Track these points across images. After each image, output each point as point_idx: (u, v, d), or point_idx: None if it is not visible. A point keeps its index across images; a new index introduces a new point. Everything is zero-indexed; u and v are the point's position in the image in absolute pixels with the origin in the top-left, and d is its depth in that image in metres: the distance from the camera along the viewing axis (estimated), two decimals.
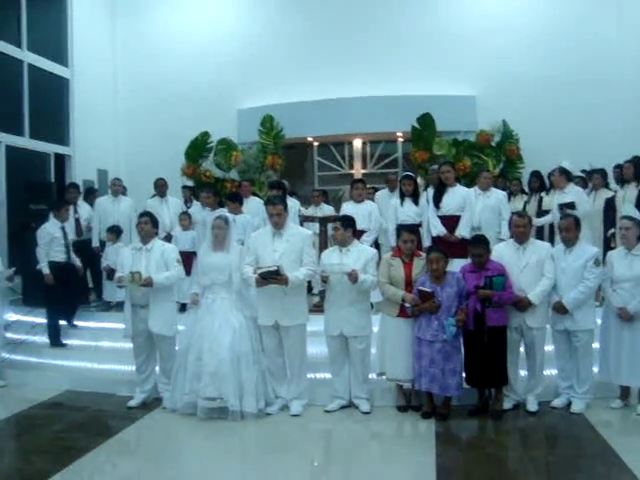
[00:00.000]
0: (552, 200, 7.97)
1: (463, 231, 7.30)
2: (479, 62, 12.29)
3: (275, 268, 5.58)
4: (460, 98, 12.29)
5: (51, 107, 12.10)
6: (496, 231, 7.54)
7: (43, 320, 7.93)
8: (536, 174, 9.03)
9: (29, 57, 11.26)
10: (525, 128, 11.66)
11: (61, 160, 12.13)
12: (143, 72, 13.60)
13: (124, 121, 13.80)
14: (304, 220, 8.55)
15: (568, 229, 5.74)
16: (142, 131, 13.41)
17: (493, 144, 11.99)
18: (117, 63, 13.92)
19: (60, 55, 12.23)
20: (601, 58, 11.89)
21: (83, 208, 9.24)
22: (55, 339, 7.74)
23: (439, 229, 7.35)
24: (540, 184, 8.86)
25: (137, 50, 13.77)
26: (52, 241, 7.81)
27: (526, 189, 9.64)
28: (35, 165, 11.43)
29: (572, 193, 7.72)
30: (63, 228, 7.94)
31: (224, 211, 7.67)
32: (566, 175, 7.84)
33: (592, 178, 8.70)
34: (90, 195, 9.83)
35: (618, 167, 8.65)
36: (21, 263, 8.85)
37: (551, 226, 8.03)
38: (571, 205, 7.52)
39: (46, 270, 7.74)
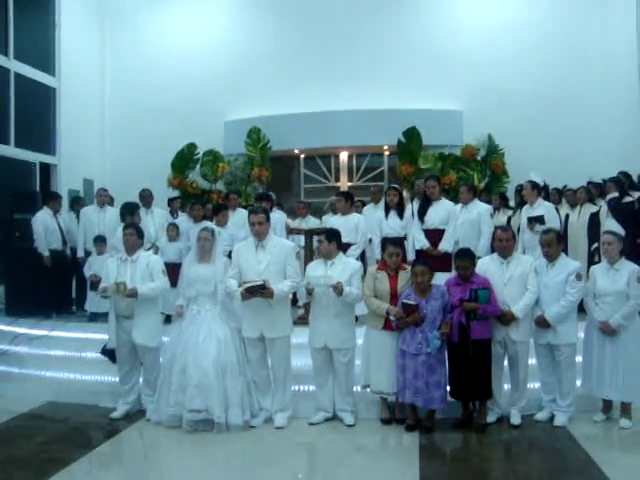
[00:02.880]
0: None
1: (446, 245, 7.34)
2: (466, 77, 12.40)
3: (261, 282, 5.59)
4: (446, 112, 12.40)
5: (37, 116, 12.07)
6: (474, 245, 7.22)
7: (26, 330, 7.88)
8: (521, 188, 9.07)
9: (15, 66, 11.26)
10: (511, 143, 11.77)
11: (46, 169, 12.09)
12: (130, 82, 13.62)
13: (111, 131, 13.81)
14: (290, 232, 8.56)
15: (550, 244, 5.77)
16: (129, 141, 13.41)
17: (479, 158, 12.08)
18: (105, 73, 13.94)
19: (47, 64, 12.24)
20: (587, 75, 12.06)
21: (61, 217, 9.24)
22: None
23: (422, 242, 7.39)
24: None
25: (125, 60, 13.79)
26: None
27: (511, 203, 9.71)
28: (20, 174, 11.38)
29: (541, 207, 7.72)
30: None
31: (209, 223, 7.67)
32: (537, 189, 7.84)
33: (576, 193, 8.80)
34: (77, 204, 9.78)
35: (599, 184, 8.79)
36: (5, 273, 8.80)
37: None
38: (540, 219, 7.51)
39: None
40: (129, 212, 7.76)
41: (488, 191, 10.82)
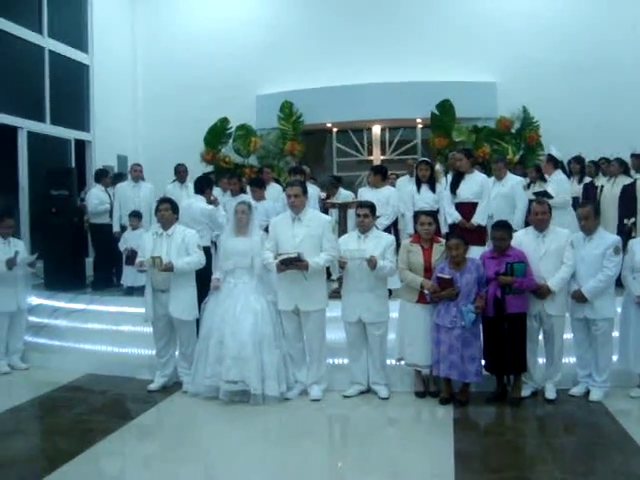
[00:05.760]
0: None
1: (479, 219, 7.25)
2: (499, 48, 12.22)
3: (296, 254, 5.61)
4: (480, 84, 12.25)
5: (71, 93, 12.21)
6: (508, 219, 6.89)
7: (65, 304, 8.04)
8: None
9: (50, 44, 11.36)
10: (545, 114, 11.60)
11: (81, 146, 12.23)
12: (162, 58, 13.67)
13: (143, 107, 13.91)
14: (325, 206, 8.52)
15: (587, 217, 5.67)
16: (161, 117, 13.50)
17: (513, 131, 11.93)
18: (137, 49, 14.00)
19: (80, 41, 12.34)
20: (623, 43, 11.80)
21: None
22: None
23: (454, 216, 7.30)
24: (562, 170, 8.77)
25: (157, 36, 13.84)
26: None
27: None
28: (56, 151, 11.55)
29: (553, 182, 7.54)
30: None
31: (245, 197, 7.69)
32: (553, 162, 7.68)
33: (610, 164, 8.65)
34: (117, 180, 9.90)
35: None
36: (43, 249, 8.96)
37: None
38: (545, 194, 7.32)
39: None
40: (208, 186, 7.40)
41: (523, 164, 10.69)
